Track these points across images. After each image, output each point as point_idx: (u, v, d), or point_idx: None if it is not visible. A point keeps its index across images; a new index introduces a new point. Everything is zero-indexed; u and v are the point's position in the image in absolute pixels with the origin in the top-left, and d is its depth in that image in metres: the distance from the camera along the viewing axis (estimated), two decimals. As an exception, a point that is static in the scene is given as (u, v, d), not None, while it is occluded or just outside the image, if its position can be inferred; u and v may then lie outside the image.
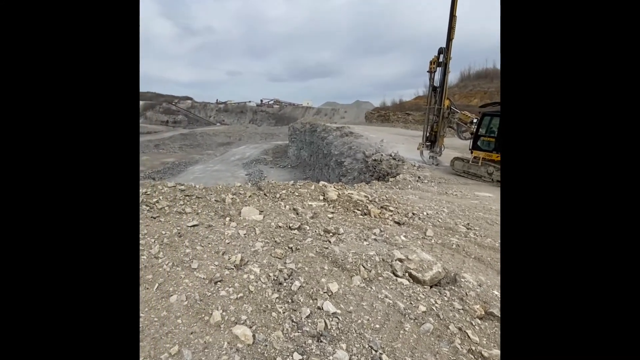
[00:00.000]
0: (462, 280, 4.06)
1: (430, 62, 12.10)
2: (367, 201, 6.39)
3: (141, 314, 3.33)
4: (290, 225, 5.00)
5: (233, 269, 3.93)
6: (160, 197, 5.50)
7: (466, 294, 3.85)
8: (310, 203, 6.01)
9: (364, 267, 4.11)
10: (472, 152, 11.28)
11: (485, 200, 7.94)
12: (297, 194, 6.29)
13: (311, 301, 3.56)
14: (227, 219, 5.11)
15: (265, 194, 6.15)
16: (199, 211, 5.30)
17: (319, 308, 3.48)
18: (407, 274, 4.12)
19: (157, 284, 3.66)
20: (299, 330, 3.25)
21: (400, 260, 4.30)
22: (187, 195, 5.73)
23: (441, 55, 11.74)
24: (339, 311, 3.45)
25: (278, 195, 6.12)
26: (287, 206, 5.80)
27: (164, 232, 4.50)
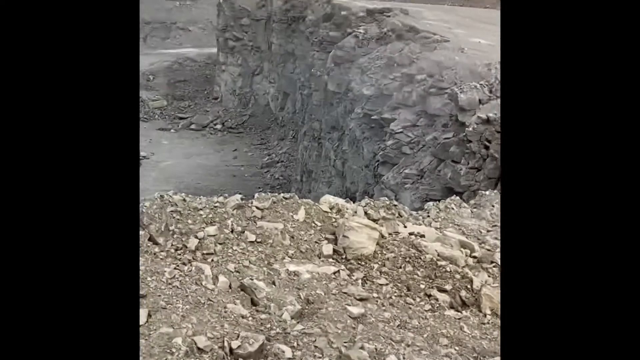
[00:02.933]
0: None
1: None
2: (466, 262, 5.98)
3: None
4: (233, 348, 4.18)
5: None
6: None
7: None
8: (295, 267, 5.52)
9: None
10: None
11: None
12: (254, 238, 5.81)
13: None
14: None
15: (155, 242, 5.68)
16: None
17: None
18: None
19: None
20: None
21: None
22: None
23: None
24: None
25: (193, 246, 5.67)
26: (222, 278, 5.15)
27: None
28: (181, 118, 38.90)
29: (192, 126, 37.98)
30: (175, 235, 5.82)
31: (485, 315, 5.50)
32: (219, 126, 38.14)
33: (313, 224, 6.29)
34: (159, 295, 4.77)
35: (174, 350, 4.14)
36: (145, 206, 6.15)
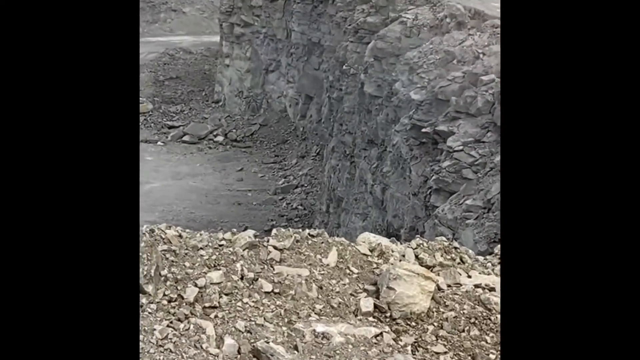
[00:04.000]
0: None
1: None
2: None
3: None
4: None
5: None
6: None
7: None
8: (324, 328, 5.67)
9: None
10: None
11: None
12: (271, 288, 5.91)
13: None
14: None
15: (142, 290, 5.66)
16: None
17: None
18: None
19: None
20: None
21: None
22: None
23: None
24: None
25: (191, 297, 5.75)
26: (228, 340, 5.33)
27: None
28: (171, 127, 39.43)
29: (186, 137, 38.45)
30: (168, 283, 5.91)
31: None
32: (220, 138, 38.56)
33: (347, 271, 6.34)
34: (148, 362, 4.84)
35: None
36: (129, 243, 6.26)
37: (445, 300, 6.08)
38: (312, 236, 6.66)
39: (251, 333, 5.45)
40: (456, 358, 5.60)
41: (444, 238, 7.20)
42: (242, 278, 6.00)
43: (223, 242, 6.44)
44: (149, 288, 5.78)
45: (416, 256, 6.65)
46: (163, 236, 6.38)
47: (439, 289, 6.14)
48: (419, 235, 9.28)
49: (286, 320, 5.67)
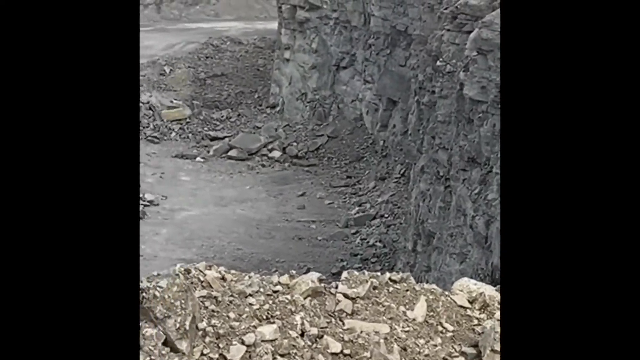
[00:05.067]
0: None
1: None
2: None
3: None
4: None
5: None
6: None
7: None
8: None
9: None
10: None
11: None
12: (340, 348, 5.98)
13: None
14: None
15: (174, 348, 5.75)
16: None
17: None
18: None
19: None
20: None
21: None
22: None
23: None
24: None
25: (238, 357, 5.70)
26: None
27: None
28: (214, 138, 39.89)
29: (232, 152, 38.81)
30: (207, 339, 5.97)
31: None
32: (276, 153, 38.83)
33: (440, 328, 6.32)
34: None
35: None
36: (158, 287, 6.35)
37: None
38: (394, 282, 6.65)
39: (314, 406, 5.46)
40: None
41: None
42: (302, 335, 6.02)
43: (278, 288, 6.48)
44: (183, 345, 5.85)
45: (531, 311, 6.59)
46: (202, 278, 6.45)
47: (561, 354, 6.08)
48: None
49: (359, 391, 5.67)
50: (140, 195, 29.50)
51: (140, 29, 45.50)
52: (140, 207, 27.79)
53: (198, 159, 38.48)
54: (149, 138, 38.19)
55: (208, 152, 39.17)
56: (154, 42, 47.62)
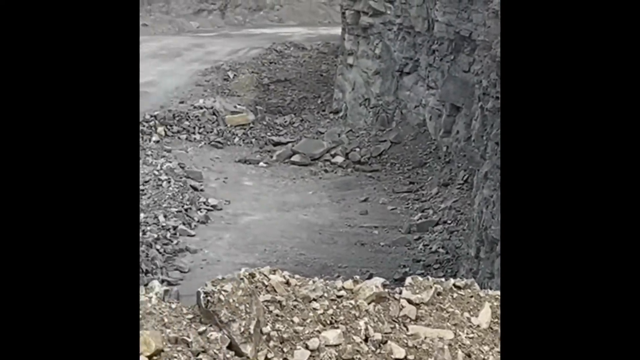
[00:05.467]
0: None
1: None
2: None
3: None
4: None
5: None
6: None
7: None
8: None
9: None
10: None
11: None
12: (404, 354, 6.09)
13: None
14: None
15: (239, 352, 5.82)
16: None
17: None
18: None
19: None
20: None
21: None
22: None
23: None
24: None
25: None
26: None
27: None
28: (277, 143, 40.04)
29: (295, 157, 38.90)
30: (272, 343, 6.01)
31: None
32: (339, 159, 38.84)
33: (505, 335, 6.26)
34: None
35: None
36: (222, 291, 6.41)
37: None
38: (458, 288, 6.63)
39: (377, 412, 5.46)
40: None
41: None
42: (366, 340, 6.03)
43: (342, 293, 6.49)
44: (248, 349, 5.90)
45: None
46: (266, 283, 6.49)
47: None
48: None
49: (423, 397, 5.66)
50: (204, 200, 29.69)
51: (205, 34, 46.18)
52: (204, 212, 28.02)
53: (261, 164, 38.58)
54: (213, 143, 38.42)
55: (271, 157, 39.28)
56: (218, 48, 47.98)
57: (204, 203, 29.19)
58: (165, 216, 25.00)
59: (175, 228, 24.15)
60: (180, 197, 27.72)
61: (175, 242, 23.21)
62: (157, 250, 21.45)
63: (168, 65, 47.23)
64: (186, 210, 26.81)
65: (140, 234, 22.30)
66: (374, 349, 5.91)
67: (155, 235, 22.69)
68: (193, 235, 25.33)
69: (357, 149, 39.25)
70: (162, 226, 24.06)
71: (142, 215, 24.66)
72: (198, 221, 26.44)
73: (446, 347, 5.90)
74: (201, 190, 30.91)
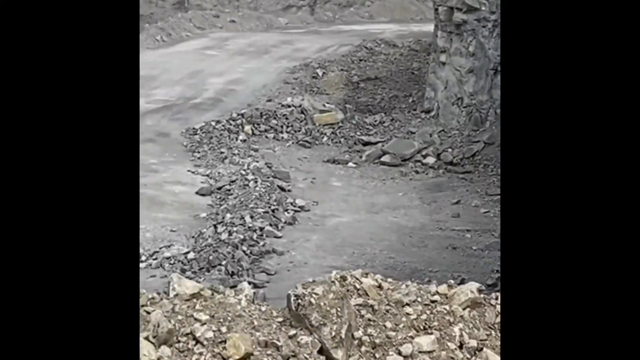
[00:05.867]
0: None
1: None
2: None
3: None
4: None
5: None
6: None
7: None
8: None
9: None
10: None
11: None
12: None
13: None
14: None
15: (330, 357, 5.89)
16: None
17: None
18: None
19: None
20: None
21: None
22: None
23: None
24: None
25: None
26: None
27: None
28: (367, 143, 39.96)
29: (385, 158, 38.75)
30: (363, 348, 6.02)
31: None
32: (430, 159, 38.58)
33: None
34: None
35: None
36: (313, 294, 6.44)
37: None
38: (558, 294, 6.55)
39: (473, 422, 5.43)
40: None
41: None
42: (461, 346, 6.00)
43: (436, 298, 6.48)
44: (339, 353, 5.91)
45: None
46: (358, 286, 6.51)
47: None
48: None
49: (521, 408, 5.61)
50: (291, 201, 29.84)
51: (293, 31, 46.60)
52: (291, 213, 28.17)
53: (350, 164, 38.55)
54: (301, 142, 38.60)
55: (360, 157, 39.23)
56: (307, 45, 48.23)
57: (291, 204, 29.34)
58: (251, 217, 25.18)
59: (261, 229, 24.30)
60: (267, 198, 27.90)
61: (261, 243, 23.36)
62: (244, 251, 21.62)
63: (256, 63, 47.66)
64: (273, 211, 26.94)
65: (227, 235, 22.46)
66: (469, 356, 5.89)
67: (242, 237, 22.87)
68: (280, 237, 25.44)
69: (449, 150, 38.97)
70: (249, 227, 24.23)
71: (228, 215, 24.88)
72: (285, 222, 26.53)
73: (544, 355, 5.83)
74: (288, 190, 31.06)
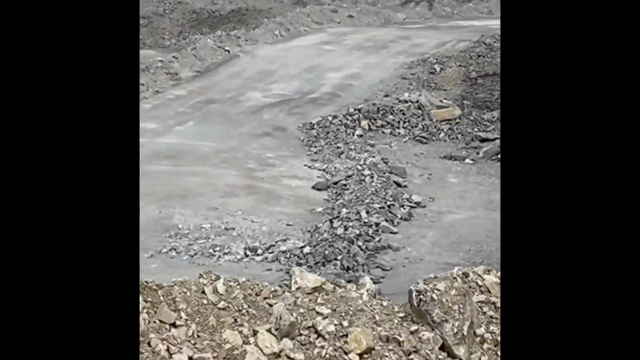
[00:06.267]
0: None
1: None
2: None
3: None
4: None
5: None
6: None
7: None
8: None
9: None
10: None
11: None
12: None
13: None
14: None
15: (452, 354, 5.88)
16: None
17: None
18: None
19: None
20: None
21: None
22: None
23: None
24: None
25: None
26: None
27: None
28: (484, 140, 39.58)
29: (503, 155, 38.32)
30: (485, 345, 6.07)
31: None
32: (549, 157, 38.05)
33: None
34: None
35: None
36: (435, 289, 6.50)
37: None
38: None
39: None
40: None
41: None
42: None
43: (558, 295, 6.46)
44: (461, 350, 5.96)
45: None
46: (480, 283, 6.54)
47: None
48: None
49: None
50: (407, 197, 29.82)
51: (411, 26, 46.60)
52: (407, 209, 28.15)
53: (467, 160, 38.24)
54: (417, 138, 38.51)
55: (477, 153, 38.92)
56: (425, 40, 48.08)
57: (407, 200, 29.31)
58: (367, 212, 25.26)
59: (377, 225, 24.35)
60: (383, 193, 27.93)
61: (377, 239, 23.42)
62: (359, 246, 21.72)
63: (373, 58, 47.71)
64: (389, 206, 26.96)
65: (342, 229, 22.58)
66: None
67: (357, 232, 22.97)
68: (395, 233, 25.46)
69: (569, 147, 38.36)
70: (365, 222, 24.30)
71: (344, 210, 25.00)
72: (401, 218, 26.54)
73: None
74: (405, 186, 31.01)
